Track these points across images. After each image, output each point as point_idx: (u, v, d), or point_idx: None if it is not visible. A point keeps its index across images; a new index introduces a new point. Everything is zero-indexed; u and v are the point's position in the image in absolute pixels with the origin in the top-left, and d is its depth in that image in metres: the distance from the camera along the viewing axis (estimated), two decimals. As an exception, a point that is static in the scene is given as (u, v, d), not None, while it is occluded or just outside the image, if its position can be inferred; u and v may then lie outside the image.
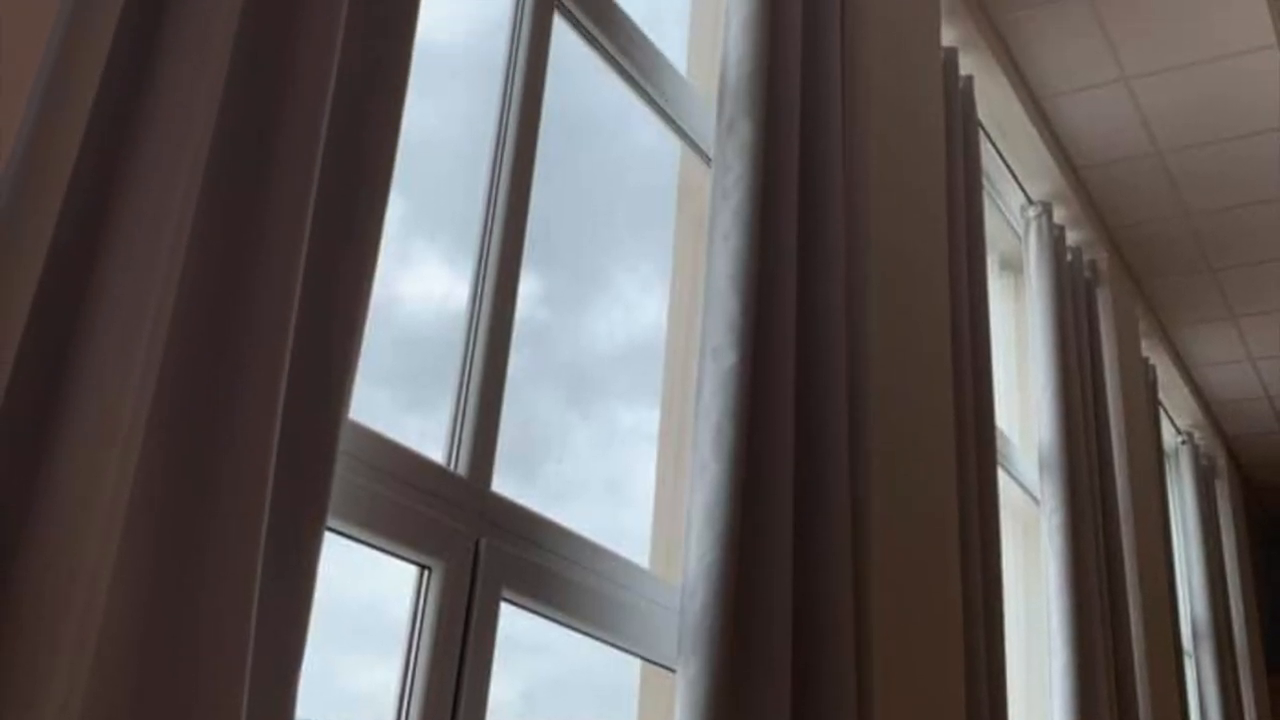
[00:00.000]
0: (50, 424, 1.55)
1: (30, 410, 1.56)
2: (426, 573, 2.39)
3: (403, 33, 2.22)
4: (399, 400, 2.58)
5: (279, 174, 1.87)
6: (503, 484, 2.61)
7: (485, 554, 2.48)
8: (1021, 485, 5.84)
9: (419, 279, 2.72)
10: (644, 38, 3.38)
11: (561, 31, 3.13)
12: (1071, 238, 6.71)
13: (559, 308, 3.14)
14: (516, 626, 2.60)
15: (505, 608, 2.53)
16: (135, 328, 1.61)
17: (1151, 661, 6.38)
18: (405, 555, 2.35)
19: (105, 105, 1.71)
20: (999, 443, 5.40)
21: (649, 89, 3.38)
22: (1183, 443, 8.83)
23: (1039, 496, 5.70)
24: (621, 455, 3.31)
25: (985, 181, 6.01)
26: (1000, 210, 6.27)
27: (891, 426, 3.82)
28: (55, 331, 1.60)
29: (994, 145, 5.97)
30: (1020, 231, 6.31)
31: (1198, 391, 8.74)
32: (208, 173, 1.83)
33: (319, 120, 1.94)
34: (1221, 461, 9.47)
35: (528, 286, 2.83)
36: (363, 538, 2.26)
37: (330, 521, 2.15)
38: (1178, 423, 8.92)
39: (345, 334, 1.97)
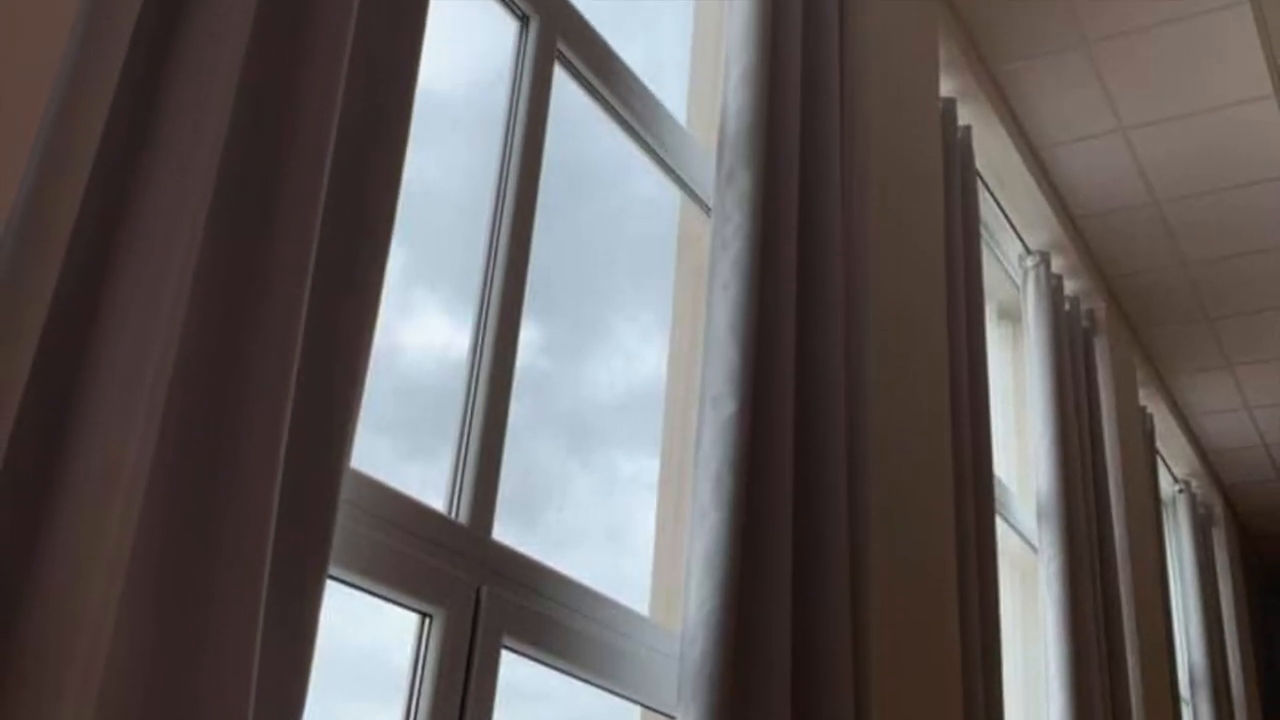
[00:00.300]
0: (54, 473, 1.55)
1: (34, 459, 1.56)
2: (428, 620, 2.40)
3: (404, 83, 2.23)
4: (400, 449, 2.59)
5: (281, 224, 1.88)
6: (503, 532, 2.61)
7: (486, 602, 2.48)
8: (1019, 533, 5.84)
9: (420, 328, 2.73)
10: (644, 88, 3.40)
11: (562, 82, 3.15)
12: (1069, 287, 6.72)
13: (559, 357, 3.15)
14: (517, 674, 2.60)
15: (506, 655, 2.53)
16: (138, 377, 1.61)
17: (1149, 709, 6.37)
18: (407, 603, 2.35)
19: (107, 156, 1.72)
20: (997, 491, 5.41)
21: (649, 139, 3.39)
22: (1180, 491, 8.83)
23: (1037, 544, 5.70)
24: (622, 503, 3.31)
25: (983, 231, 6.03)
26: (998, 259, 6.28)
27: (890, 474, 3.83)
28: (59, 381, 1.60)
29: (992, 195, 5.98)
30: (1018, 281, 6.32)
31: (1195, 440, 8.75)
32: (209, 222, 1.84)
33: (321, 170, 1.95)
34: (1219, 510, 9.47)
35: (528, 335, 2.84)
36: (364, 585, 2.26)
37: (332, 569, 2.16)
38: (1175, 471, 8.92)
39: (347, 383, 1.98)
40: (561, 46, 3.12)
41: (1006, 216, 6.15)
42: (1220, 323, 7.35)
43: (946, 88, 5.36)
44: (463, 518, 2.53)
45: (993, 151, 5.78)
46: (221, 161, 1.87)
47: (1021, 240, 6.31)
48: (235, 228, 1.87)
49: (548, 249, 2.99)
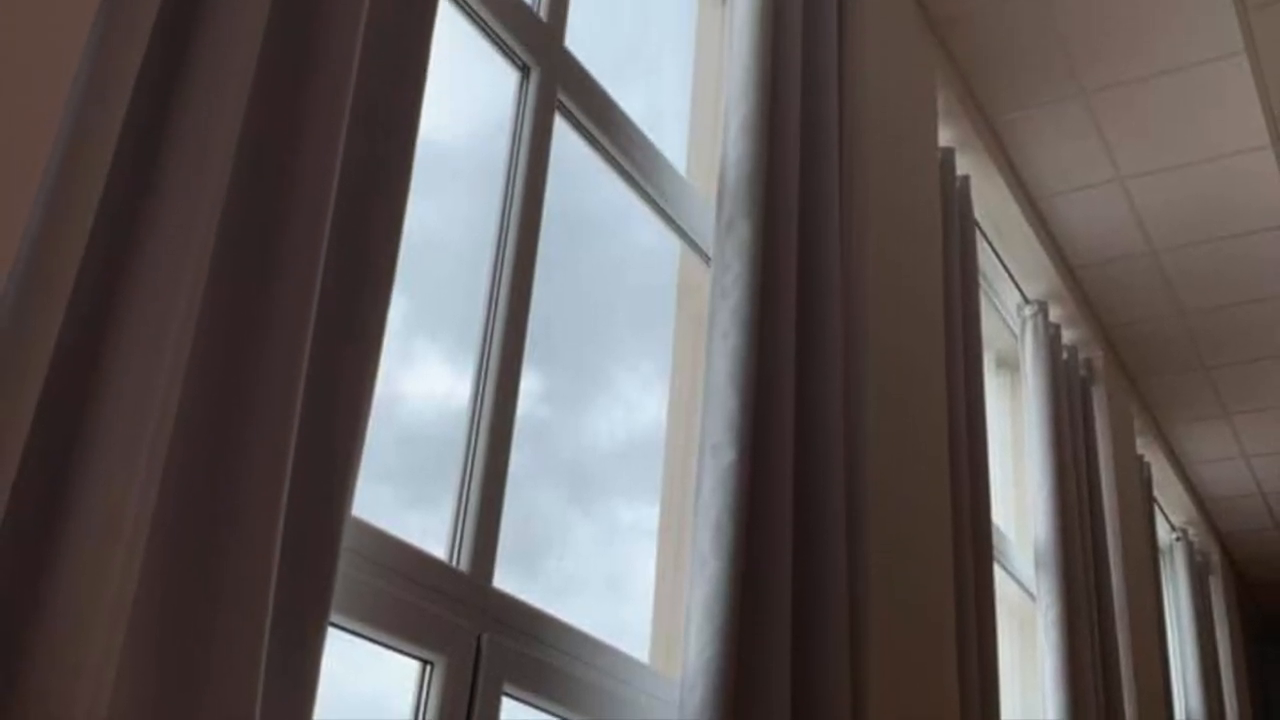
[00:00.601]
0: (56, 521, 1.56)
1: (36, 507, 1.56)
2: (429, 668, 2.40)
3: (405, 133, 2.24)
4: (401, 497, 2.59)
5: (282, 272, 1.89)
6: (504, 580, 2.62)
7: (487, 649, 2.49)
8: (1018, 581, 5.84)
9: (421, 377, 2.73)
10: (644, 138, 3.41)
11: (562, 132, 3.16)
12: (1067, 336, 6.74)
13: (560, 406, 3.15)
14: (518, 721, 2.60)
15: (507, 702, 2.53)
16: (140, 424, 1.62)
17: (1149, 759, 6.36)
18: (408, 650, 2.35)
19: (111, 205, 1.73)
20: (995, 539, 5.41)
21: (649, 188, 3.40)
22: (1177, 539, 8.82)
23: (1035, 592, 5.70)
24: (622, 551, 3.32)
25: (982, 280, 6.04)
26: (997, 309, 6.29)
27: (889, 523, 3.83)
28: (62, 428, 1.61)
29: (990, 244, 6.00)
30: (1016, 330, 6.34)
31: (1192, 488, 8.75)
32: (211, 271, 1.85)
33: (322, 220, 1.96)
34: (1215, 558, 9.46)
35: (529, 385, 2.85)
36: (366, 633, 2.26)
37: (333, 617, 2.16)
38: (1172, 519, 8.91)
39: (348, 431, 1.98)
40: (562, 97, 3.14)
41: (1005, 266, 6.16)
42: (1217, 372, 7.36)
43: (945, 137, 5.38)
44: (464, 565, 2.53)
45: (991, 201, 5.80)
46: (224, 210, 1.88)
47: (1020, 289, 6.33)
48: (237, 277, 1.88)
49: (548, 298, 3.00)
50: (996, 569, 5.50)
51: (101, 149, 1.67)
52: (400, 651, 2.35)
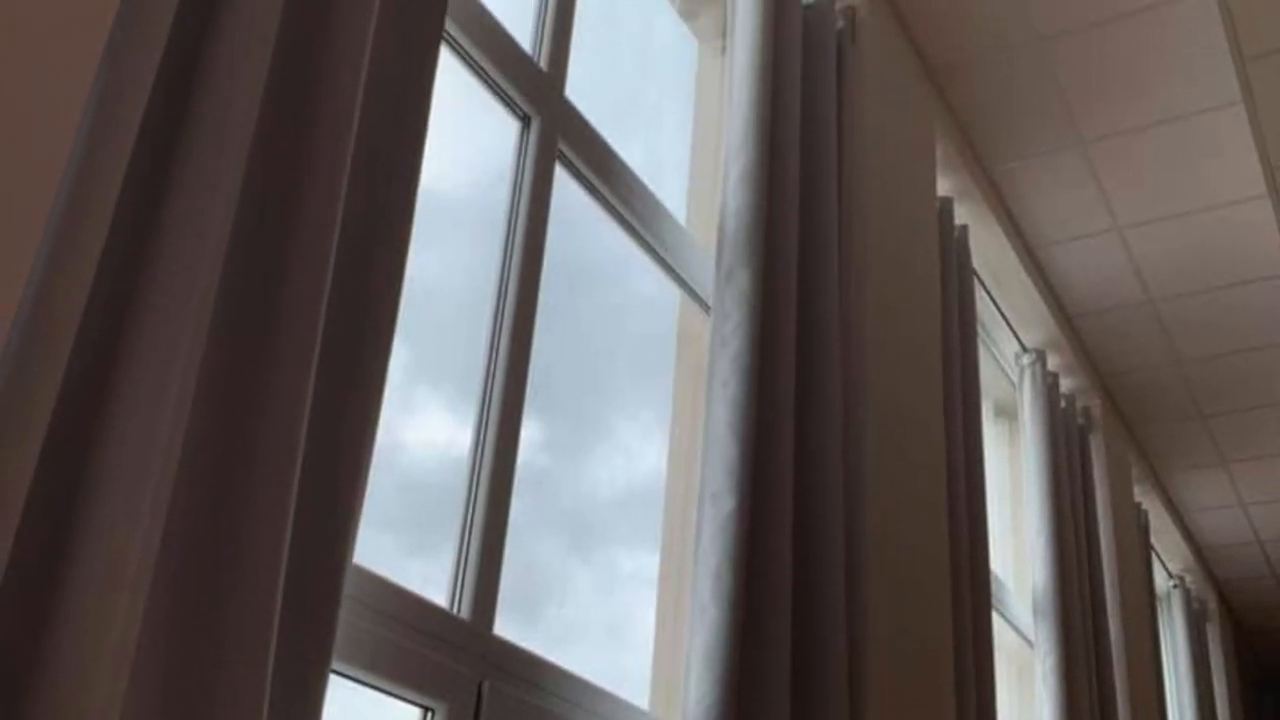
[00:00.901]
0: (59, 568, 1.56)
1: (39, 555, 1.57)
2: (430, 715, 2.40)
3: (406, 182, 2.25)
4: (403, 545, 2.60)
5: (284, 321, 1.90)
6: (505, 627, 2.62)
7: (488, 696, 2.49)
8: (1016, 628, 5.84)
9: (422, 425, 2.74)
10: (644, 187, 3.42)
11: (562, 181, 3.18)
12: (1065, 385, 6.74)
13: (560, 454, 3.16)
14: (518, 769, 2.60)
15: (506, 750, 2.54)
16: (143, 472, 1.63)
17: (1148, 808, 6.35)
18: (409, 698, 2.35)
19: (113, 255, 1.74)
20: (993, 586, 5.41)
21: (649, 238, 3.42)
22: (1175, 586, 8.81)
23: (1033, 639, 5.69)
24: (622, 599, 3.32)
25: (980, 329, 6.06)
26: (995, 358, 6.30)
27: (888, 570, 3.84)
28: (65, 477, 1.62)
29: (989, 293, 6.01)
30: (1015, 379, 6.34)
31: (1189, 536, 8.74)
32: (214, 318, 1.86)
33: (324, 268, 1.96)
34: (1213, 605, 9.45)
35: (529, 433, 2.86)
36: (367, 680, 2.26)
37: (335, 664, 2.17)
38: (1170, 567, 8.91)
39: (350, 479, 1.99)
40: (562, 146, 3.15)
41: (1003, 314, 6.17)
42: (1214, 420, 7.36)
43: (943, 187, 5.40)
44: (465, 613, 2.53)
45: (989, 250, 5.81)
46: (226, 259, 1.89)
47: (1018, 338, 6.34)
48: (240, 325, 1.88)
49: (549, 347, 3.01)
50: (995, 616, 5.49)
51: (104, 200, 1.68)
52: (402, 698, 2.35)
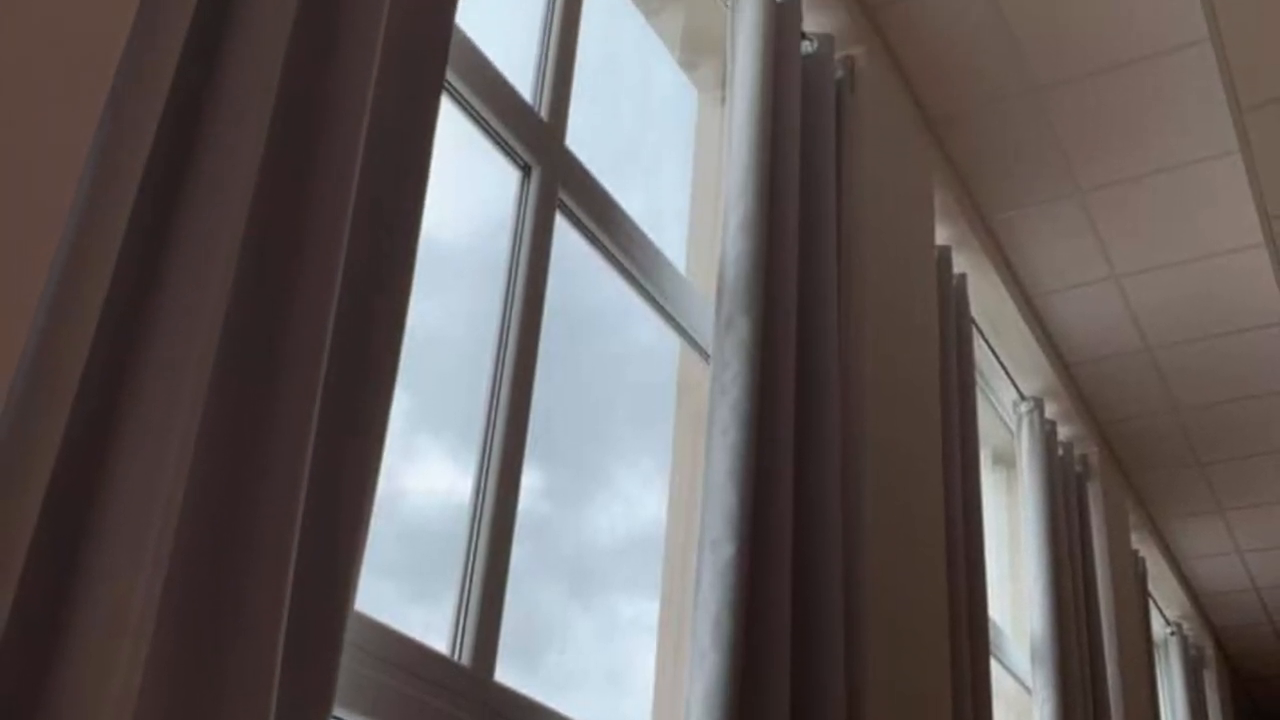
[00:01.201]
0: (62, 613, 1.57)
1: (43, 600, 1.58)
2: (429, 762, 2.40)
3: (408, 231, 2.25)
4: (404, 592, 2.60)
5: (286, 369, 1.91)
6: (506, 674, 2.62)
7: (487, 744, 2.49)
8: (1014, 675, 5.83)
9: (423, 473, 2.75)
10: (643, 236, 3.43)
11: (563, 230, 3.19)
12: (1063, 433, 6.75)
13: (561, 502, 3.17)
14: (518, 815, 2.60)
15: (507, 798, 2.54)
16: (145, 519, 1.63)
17: None
18: (409, 745, 2.36)
19: (115, 304, 1.75)
20: (991, 633, 5.41)
21: (649, 286, 3.43)
22: (1172, 633, 8.81)
23: (1031, 686, 5.68)
24: (622, 645, 3.32)
25: (978, 377, 6.06)
26: (993, 405, 6.31)
27: (887, 617, 3.84)
28: (67, 522, 1.62)
29: (987, 342, 6.02)
30: (1013, 426, 6.35)
31: (1186, 583, 8.74)
32: (216, 366, 1.86)
33: (326, 316, 1.97)
34: (1210, 652, 9.44)
35: (530, 480, 2.86)
36: (368, 727, 2.27)
37: (336, 711, 2.17)
38: (1167, 613, 8.90)
39: (351, 526, 1.99)
40: (563, 195, 3.16)
41: (1001, 363, 6.18)
42: (1211, 468, 7.37)
43: (942, 236, 5.41)
44: (465, 660, 2.54)
45: (987, 299, 5.82)
46: (228, 307, 1.90)
47: (1016, 386, 6.35)
48: (242, 372, 1.89)
49: (549, 395, 3.01)
50: (993, 662, 5.49)
51: (107, 249, 1.69)
52: (402, 745, 2.35)
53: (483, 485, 2.70)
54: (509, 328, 2.88)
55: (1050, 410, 6.53)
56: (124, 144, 1.75)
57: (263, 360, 1.91)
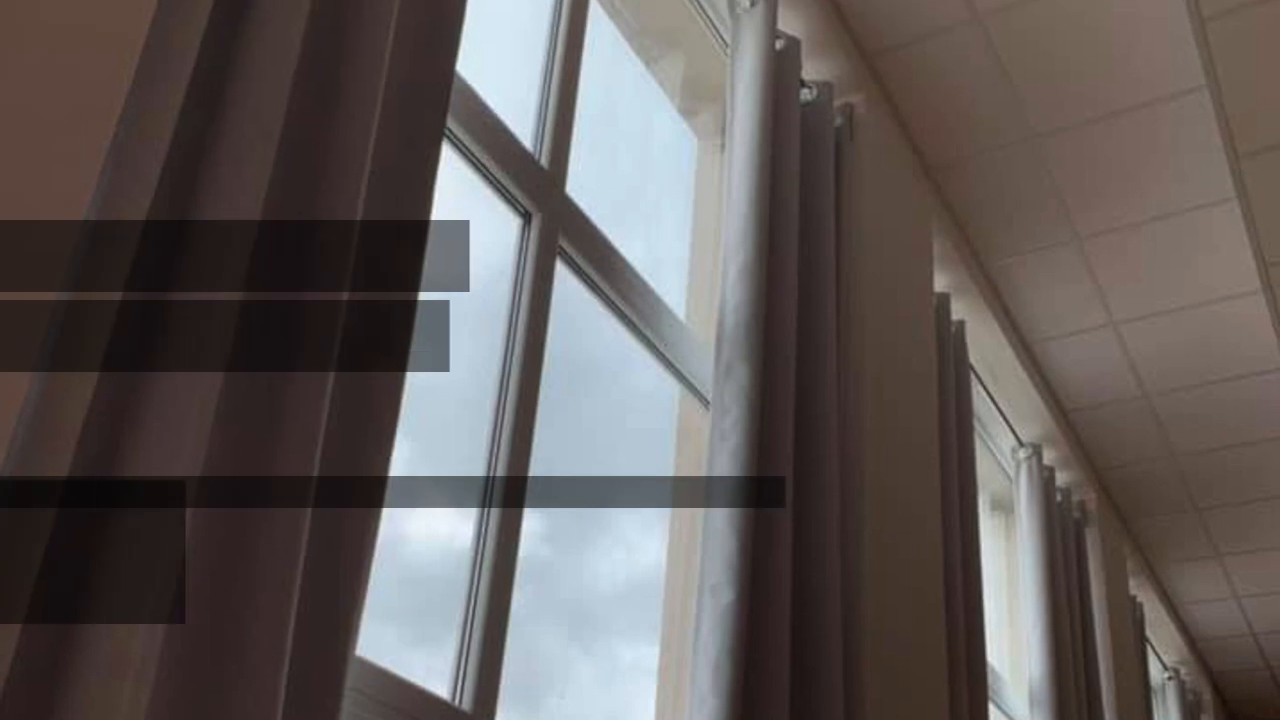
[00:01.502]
0: (64, 659, 1.57)
1: (45, 646, 1.58)
2: (430, 807, 2.40)
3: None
4: (405, 637, 2.60)
5: (289, 415, 1.91)
6: (506, 719, 2.62)
7: (488, 789, 2.49)
8: (1013, 721, 5.84)
9: (425, 518, 2.75)
10: (644, 283, 3.45)
11: (563, 277, 3.20)
12: (1061, 479, 6.75)
13: (561, 546, 3.17)
14: None
15: (507, 842, 2.54)
16: (147, 561, 1.64)
17: None
18: (410, 790, 2.36)
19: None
20: (990, 678, 5.40)
21: (649, 333, 3.44)
22: (1169, 678, 8.79)
23: (1030, 733, 5.69)
24: (622, 690, 3.32)
25: (977, 424, 6.07)
26: (991, 452, 6.32)
27: (886, 663, 3.84)
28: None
29: (985, 388, 6.03)
30: (1011, 472, 6.36)
31: (1184, 628, 8.73)
32: (218, 412, 1.87)
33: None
34: (1207, 696, 9.42)
35: (530, 526, 2.86)
36: (369, 772, 2.27)
37: (337, 756, 2.17)
38: (1165, 659, 8.89)
39: (352, 571, 1.99)
40: (563, 243, 3.17)
41: (999, 409, 6.19)
42: (1209, 514, 7.37)
43: (940, 283, 5.42)
44: (466, 704, 2.54)
45: (986, 345, 5.83)
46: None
47: (1014, 433, 6.36)
48: (243, 419, 1.90)
49: (550, 441, 3.02)
50: (991, 708, 5.48)
51: (109, 297, 1.70)
52: (403, 790, 2.35)
53: (483, 530, 2.71)
54: (510, 374, 2.89)
55: (1048, 456, 6.53)
56: (126, 190, 1.77)
57: (264, 407, 1.91)
